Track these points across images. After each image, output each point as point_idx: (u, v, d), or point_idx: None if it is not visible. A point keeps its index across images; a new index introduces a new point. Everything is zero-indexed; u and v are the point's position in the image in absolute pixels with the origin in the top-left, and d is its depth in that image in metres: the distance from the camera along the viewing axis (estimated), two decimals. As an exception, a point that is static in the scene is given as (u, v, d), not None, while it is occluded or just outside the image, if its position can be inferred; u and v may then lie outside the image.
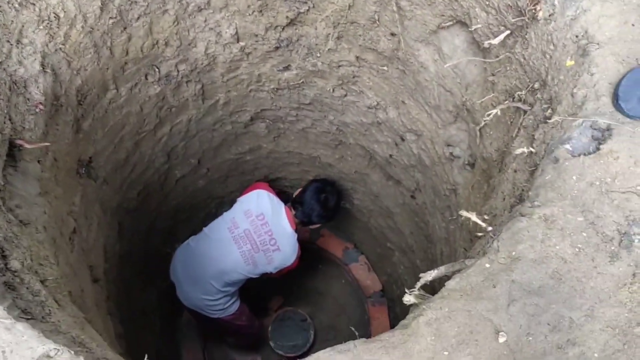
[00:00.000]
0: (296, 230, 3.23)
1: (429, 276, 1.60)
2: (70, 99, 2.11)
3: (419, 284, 1.61)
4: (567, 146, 1.42)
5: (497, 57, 1.94)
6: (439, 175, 2.73)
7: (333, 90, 2.97)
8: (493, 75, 2.03)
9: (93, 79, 2.22)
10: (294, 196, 3.35)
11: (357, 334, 1.66)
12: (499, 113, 1.92)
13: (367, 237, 4.35)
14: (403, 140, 2.94)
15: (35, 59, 1.83)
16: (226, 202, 4.19)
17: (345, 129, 3.30)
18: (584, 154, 1.40)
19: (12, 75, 1.76)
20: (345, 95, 2.99)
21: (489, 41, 1.90)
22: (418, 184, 3.07)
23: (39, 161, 1.88)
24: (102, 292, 2.63)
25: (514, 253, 1.31)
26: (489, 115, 1.93)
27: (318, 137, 3.50)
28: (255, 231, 3.13)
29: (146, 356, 1.48)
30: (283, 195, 3.37)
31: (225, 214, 3.31)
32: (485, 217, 1.84)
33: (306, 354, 4.51)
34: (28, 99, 1.82)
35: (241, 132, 3.43)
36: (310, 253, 4.66)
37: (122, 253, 3.11)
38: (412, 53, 2.41)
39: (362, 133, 3.24)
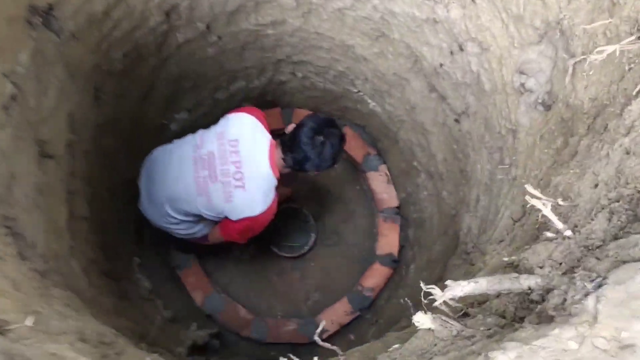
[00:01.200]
0: (279, 179, 2.53)
1: (459, 289, 1.07)
2: None
3: (442, 298, 1.08)
4: None
5: (640, -37, 1.25)
6: (497, 107, 2.10)
7: (384, -33, 2.26)
8: (621, -10, 1.35)
9: None
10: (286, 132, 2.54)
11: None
12: (617, 52, 1.26)
13: (393, 148, 3.77)
14: (462, 50, 2.27)
15: None
16: (240, 77, 3.60)
17: (391, 19, 2.60)
18: None
19: None
20: (400, -24, 2.29)
21: None
22: (468, 108, 2.43)
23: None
24: (59, 169, 2.18)
25: (625, 334, 0.74)
26: (599, 52, 1.28)
27: (356, 22, 2.81)
28: (221, 157, 2.48)
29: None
30: (282, 136, 2.51)
31: (200, 130, 2.69)
32: (560, 202, 1.26)
33: (303, 255, 4.18)
34: None
35: (263, 0, 2.75)
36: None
37: (100, 122, 2.62)
38: None
39: (411, 29, 2.54)
